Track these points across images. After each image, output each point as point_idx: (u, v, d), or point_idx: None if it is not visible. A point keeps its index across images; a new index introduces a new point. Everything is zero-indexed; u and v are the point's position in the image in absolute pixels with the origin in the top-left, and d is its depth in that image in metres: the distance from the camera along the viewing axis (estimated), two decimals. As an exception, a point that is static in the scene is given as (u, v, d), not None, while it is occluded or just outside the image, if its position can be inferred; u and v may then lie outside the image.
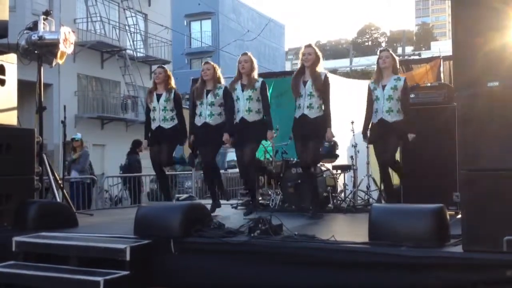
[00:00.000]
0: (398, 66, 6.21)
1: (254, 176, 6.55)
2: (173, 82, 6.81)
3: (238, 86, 6.19)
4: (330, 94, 6.04)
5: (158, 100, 6.67)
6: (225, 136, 6.25)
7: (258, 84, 6.15)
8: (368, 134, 6.19)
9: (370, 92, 6.08)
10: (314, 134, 5.97)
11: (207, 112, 6.39)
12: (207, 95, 6.42)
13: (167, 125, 6.64)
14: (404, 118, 5.90)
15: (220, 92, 6.41)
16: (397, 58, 6.20)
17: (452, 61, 7.86)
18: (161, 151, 6.70)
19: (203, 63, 6.74)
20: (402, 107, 5.91)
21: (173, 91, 6.70)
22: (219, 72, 6.56)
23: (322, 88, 5.93)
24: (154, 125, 6.73)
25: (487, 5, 3.57)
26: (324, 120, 5.96)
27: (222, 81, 6.58)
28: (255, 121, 6.14)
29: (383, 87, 5.95)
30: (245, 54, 6.28)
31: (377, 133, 6.01)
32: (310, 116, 5.95)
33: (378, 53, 6.22)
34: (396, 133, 5.88)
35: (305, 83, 5.98)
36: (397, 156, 6.18)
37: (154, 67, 24.88)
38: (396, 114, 5.90)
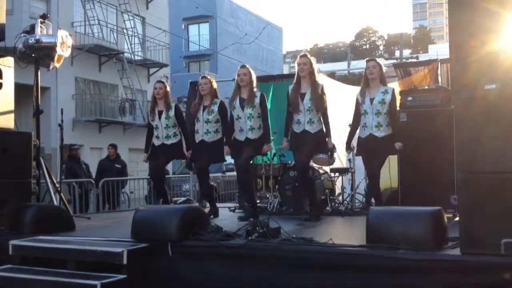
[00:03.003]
0: (385, 76, 6.19)
1: (248, 182, 6.48)
2: (170, 96, 6.86)
3: (237, 104, 6.17)
4: (327, 105, 6.04)
5: (160, 118, 6.69)
6: (226, 150, 6.33)
7: (257, 100, 6.14)
8: (354, 146, 6.28)
9: (358, 104, 6.07)
10: (316, 147, 6.03)
11: (204, 130, 6.43)
12: (203, 111, 6.45)
13: (170, 142, 6.69)
14: (393, 132, 5.92)
15: (215, 108, 6.42)
16: (384, 67, 6.20)
17: (449, 64, 7.89)
18: (157, 162, 6.77)
19: (200, 77, 6.76)
20: (390, 119, 5.92)
21: (172, 107, 6.72)
22: (215, 85, 6.58)
23: (320, 101, 5.94)
24: (158, 142, 6.75)
25: (483, 8, 3.58)
26: (323, 133, 6.01)
27: (218, 93, 6.60)
28: (258, 138, 6.18)
29: (371, 100, 5.93)
30: (244, 66, 6.28)
31: (366, 148, 6.00)
32: (312, 131, 5.97)
33: (365, 63, 6.19)
34: (386, 148, 5.91)
35: (302, 96, 5.97)
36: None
37: (152, 70, 25.05)
38: (386, 128, 5.91)
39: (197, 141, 6.52)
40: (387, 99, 5.90)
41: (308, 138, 5.98)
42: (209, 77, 6.68)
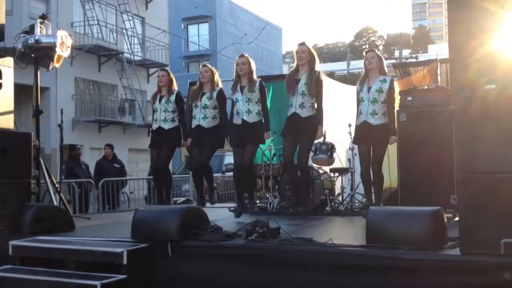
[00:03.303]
0: (385, 66, 6.21)
1: (251, 178, 6.53)
2: (175, 84, 6.90)
3: (237, 88, 6.24)
4: (322, 93, 6.10)
5: (160, 102, 6.75)
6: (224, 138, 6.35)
7: (257, 85, 6.18)
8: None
9: (357, 93, 6.13)
10: (304, 133, 6.01)
11: (201, 115, 6.43)
12: (202, 97, 6.45)
13: (167, 126, 6.70)
14: (388, 121, 5.93)
15: (215, 94, 6.44)
16: (383, 58, 6.23)
17: (449, 64, 7.88)
18: (160, 153, 6.74)
19: (201, 66, 6.79)
20: (387, 108, 5.93)
21: (174, 92, 6.78)
22: (217, 75, 6.61)
23: (315, 86, 5.97)
24: (155, 126, 6.81)
25: (483, 8, 3.58)
26: (315, 119, 6.01)
27: (220, 84, 6.61)
28: (255, 123, 6.17)
29: (369, 89, 5.97)
30: (242, 56, 6.34)
31: (361, 135, 6.03)
32: (302, 115, 6.02)
33: (364, 54, 6.23)
34: (380, 136, 5.90)
35: (298, 81, 6.06)
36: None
37: (151, 71, 25.03)
38: (380, 117, 5.93)
39: (193, 126, 6.50)
40: (385, 88, 5.93)
41: (298, 123, 5.98)
42: (210, 66, 6.71)
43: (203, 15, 33.76)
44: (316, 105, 6.06)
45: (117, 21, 23.69)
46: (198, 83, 6.66)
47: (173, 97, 6.73)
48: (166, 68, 7.37)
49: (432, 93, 6.50)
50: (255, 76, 6.26)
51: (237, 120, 6.22)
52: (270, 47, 40.81)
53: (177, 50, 32.08)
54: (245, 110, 6.13)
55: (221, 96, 6.47)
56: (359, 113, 6.06)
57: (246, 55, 6.34)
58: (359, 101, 6.07)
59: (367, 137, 5.97)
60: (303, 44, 6.18)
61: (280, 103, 8.48)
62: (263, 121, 6.22)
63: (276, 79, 9.93)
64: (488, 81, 3.55)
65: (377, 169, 5.98)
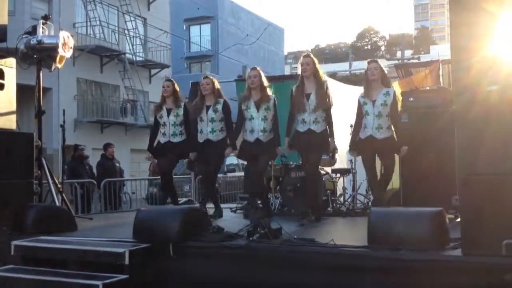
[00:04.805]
0: (387, 78, 6.15)
1: (263, 186, 6.57)
2: (180, 95, 6.86)
3: (251, 104, 6.19)
4: (331, 104, 6.03)
5: (168, 115, 6.69)
6: (228, 150, 6.36)
7: (272, 102, 6.20)
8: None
9: (360, 106, 6.04)
10: (319, 147, 6.01)
11: (209, 129, 6.45)
12: (207, 110, 6.46)
13: (177, 139, 6.68)
14: (393, 134, 5.90)
15: (220, 107, 6.46)
16: (385, 69, 6.14)
17: (451, 65, 7.88)
18: (166, 160, 6.75)
19: (202, 78, 6.78)
20: (392, 121, 5.91)
21: (182, 105, 6.73)
22: (218, 85, 6.60)
23: (325, 100, 5.91)
24: (163, 140, 6.74)
25: (484, 9, 3.58)
26: (327, 133, 5.99)
27: (222, 94, 6.63)
28: (268, 141, 6.19)
29: (373, 102, 5.91)
30: (254, 69, 6.33)
31: (366, 148, 5.98)
32: (317, 131, 5.94)
33: (366, 64, 6.17)
34: (388, 151, 5.89)
35: (307, 96, 5.94)
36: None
37: (153, 71, 25.07)
38: (386, 130, 5.89)
39: (201, 141, 6.52)
40: (389, 101, 5.89)
41: (313, 139, 5.95)
42: (210, 77, 6.71)
43: (205, 16, 33.74)
44: (326, 118, 6.01)
45: (119, 21, 23.71)
46: (199, 95, 6.66)
47: (181, 111, 6.68)
48: (171, 78, 7.31)
49: (434, 94, 6.51)
50: (268, 92, 6.24)
51: (250, 138, 6.21)
52: (272, 47, 40.80)
53: (179, 51, 32.07)
54: (261, 129, 6.14)
55: (226, 108, 6.49)
56: (363, 127, 5.99)
57: (258, 68, 6.33)
58: (364, 114, 5.99)
59: (372, 151, 5.94)
60: (307, 55, 6.11)
61: (281, 104, 8.48)
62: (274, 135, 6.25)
63: (278, 80, 9.94)
64: (490, 82, 3.56)
65: (388, 179, 5.99)
